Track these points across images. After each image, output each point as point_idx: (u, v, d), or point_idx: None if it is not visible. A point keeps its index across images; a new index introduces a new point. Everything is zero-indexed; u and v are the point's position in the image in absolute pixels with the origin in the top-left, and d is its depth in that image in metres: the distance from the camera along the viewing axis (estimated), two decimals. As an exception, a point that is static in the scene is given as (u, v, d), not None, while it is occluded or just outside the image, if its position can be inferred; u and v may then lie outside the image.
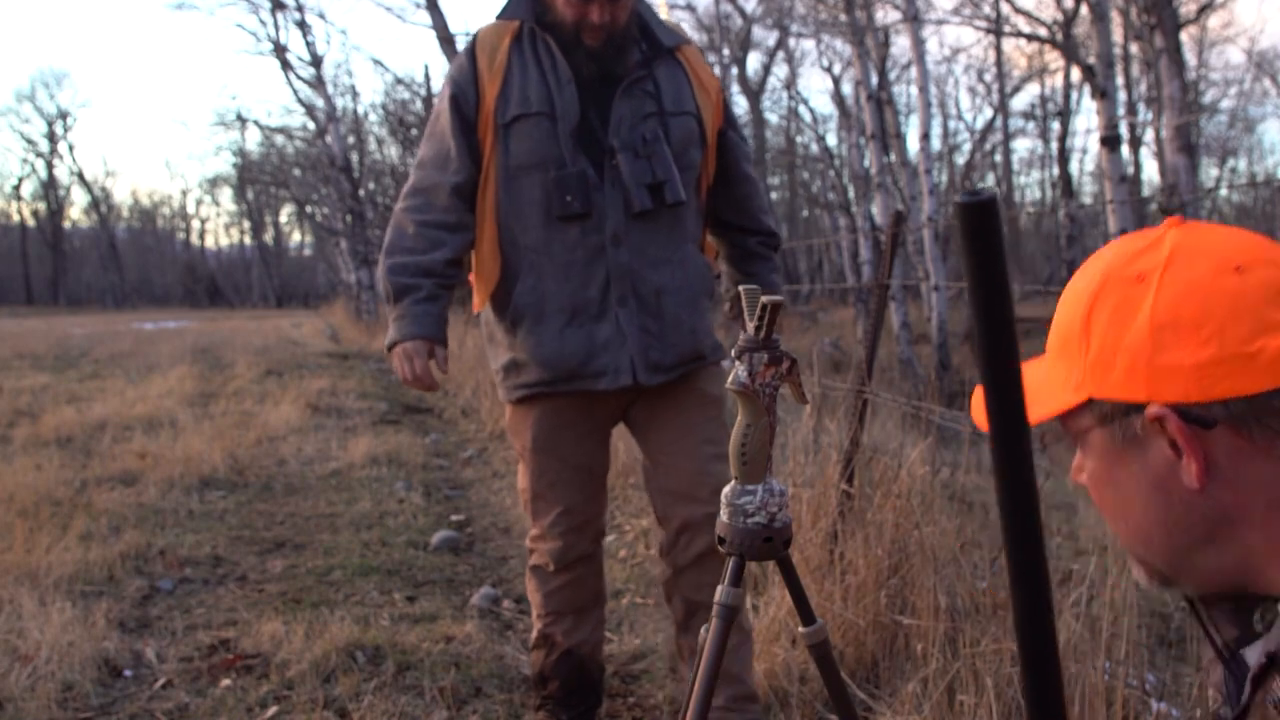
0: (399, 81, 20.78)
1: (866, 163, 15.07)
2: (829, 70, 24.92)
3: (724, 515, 1.21)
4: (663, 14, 2.18)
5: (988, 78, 28.17)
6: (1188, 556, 0.70)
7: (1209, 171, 30.27)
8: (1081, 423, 0.72)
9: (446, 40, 15.63)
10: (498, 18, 2.07)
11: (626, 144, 1.98)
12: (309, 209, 30.87)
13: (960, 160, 28.50)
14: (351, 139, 21.73)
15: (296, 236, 52.76)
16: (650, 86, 2.03)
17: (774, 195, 31.09)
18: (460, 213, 2.03)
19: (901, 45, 19.42)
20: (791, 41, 22.13)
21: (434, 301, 2.01)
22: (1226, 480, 0.66)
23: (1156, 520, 0.70)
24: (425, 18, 16.13)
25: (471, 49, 2.04)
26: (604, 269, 1.99)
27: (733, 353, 1.20)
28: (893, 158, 15.12)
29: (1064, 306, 0.74)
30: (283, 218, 50.25)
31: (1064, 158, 24.88)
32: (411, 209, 2.05)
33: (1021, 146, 46.71)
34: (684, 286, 2.05)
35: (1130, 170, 18.91)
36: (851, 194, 19.80)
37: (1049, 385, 0.74)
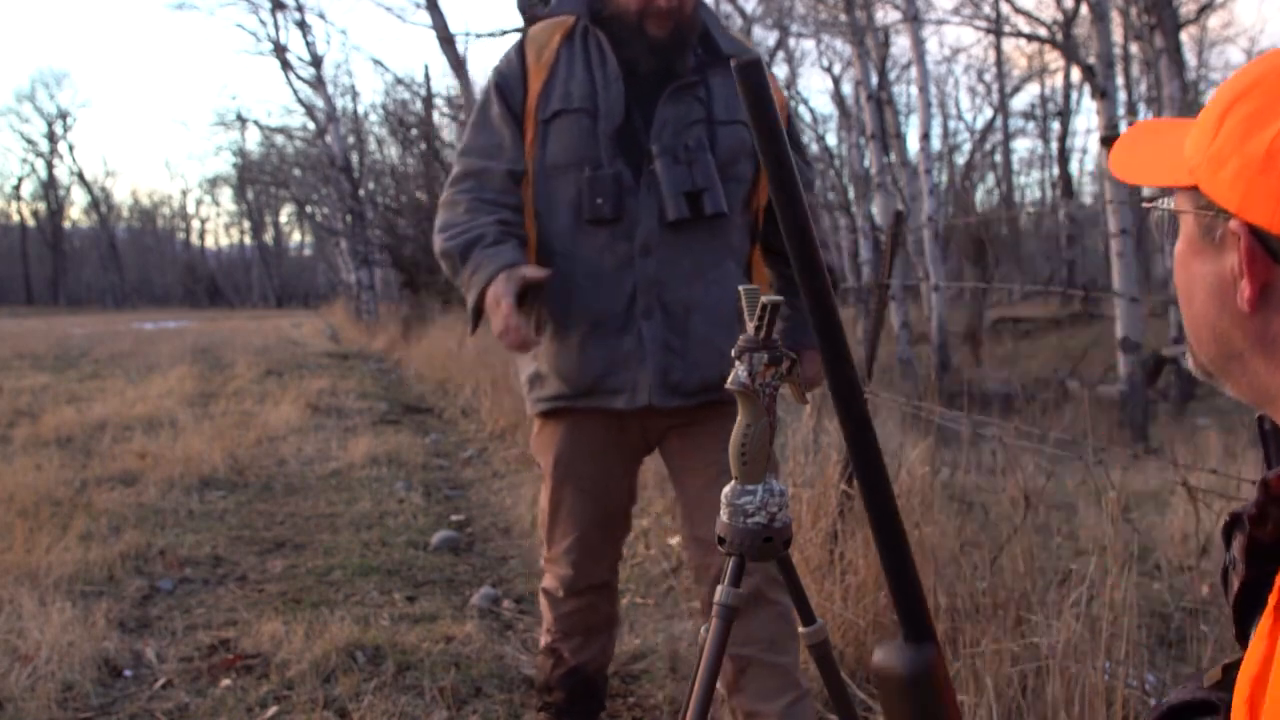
0: (399, 81, 20.81)
1: (866, 163, 15.08)
2: (829, 70, 24.94)
3: (724, 515, 1.21)
4: None
5: (988, 78, 28.15)
6: (1226, 364, 0.73)
7: (1209, 171, 30.15)
8: (1182, 202, 0.74)
9: (446, 40, 15.62)
10: (552, 12, 1.97)
11: (667, 148, 1.86)
12: (309, 209, 30.89)
13: (960, 160, 28.52)
14: (351, 139, 21.74)
15: (296, 236, 52.81)
16: (701, 93, 1.91)
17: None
18: (515, 197, 1.90)
19: (901, 45, 19.40)
20: (791, 41, 22.12)
21: (504, 242, 1.84)
22: (1275, 311, 0.68)
23: (1207, 322, 0.73)
24: (425, 18, 16.14)
25: (521, 44, 1.95)
26: (631, 279, 1.86)
27: (733, 353, 1.20)
28: (893, 158, 15.12)
29: (1217, 93, 0.74)
30: (283, 218, 50.31)
31: (1064, 158, 24.91)
32: (463, 190, 1.92)
33: (1021, 146, 46.72)
34: (717, 305, 1.89)
35: (1130, 170, 18.82)
36: (851, 194, 19.80)
37: (1174, 157, 0.75)
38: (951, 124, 29.36)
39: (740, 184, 1.93)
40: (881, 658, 0.71)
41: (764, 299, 1.14)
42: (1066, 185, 25.13)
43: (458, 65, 16.02)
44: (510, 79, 1.92)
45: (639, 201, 1.85)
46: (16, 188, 49.58)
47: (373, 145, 23.24)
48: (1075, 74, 21.78)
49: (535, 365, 1.98)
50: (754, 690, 1.90)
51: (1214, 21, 26.34)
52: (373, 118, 23.30)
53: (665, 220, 1.85)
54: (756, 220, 2.01)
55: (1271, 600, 0.64)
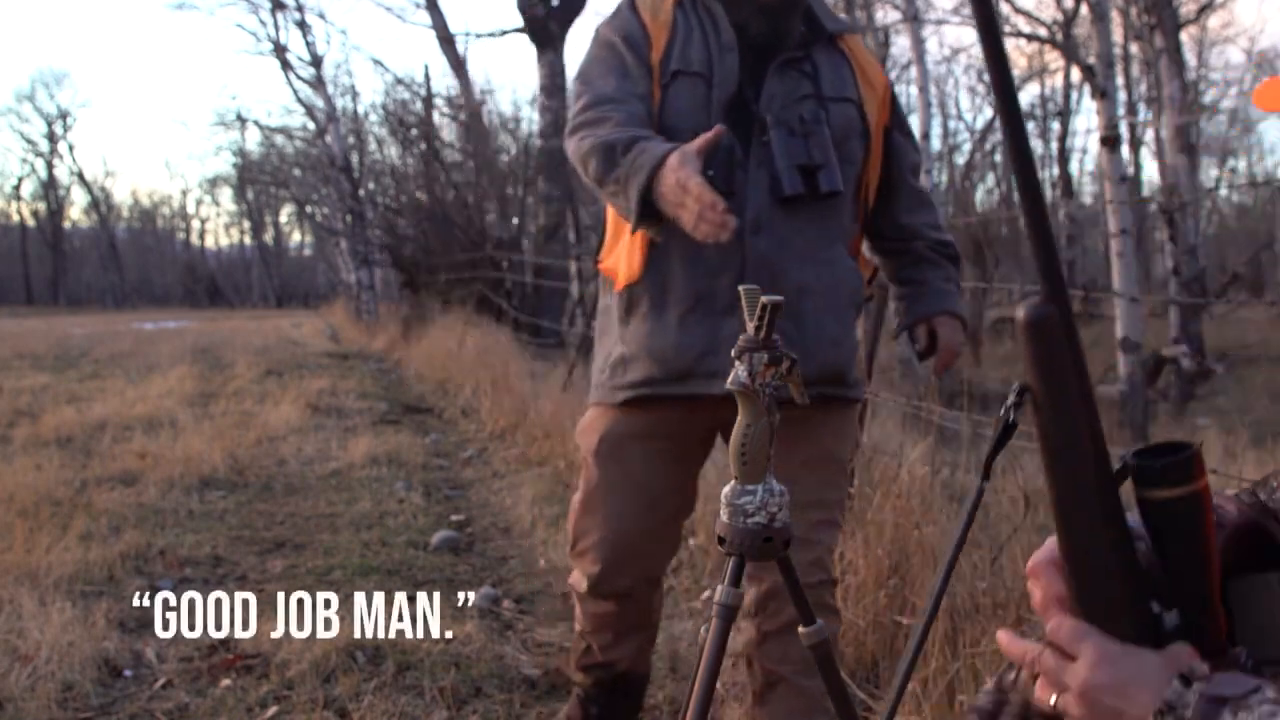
0: (399, 81, 20.78)
1: (866, 163, 15.07)
2: (829, 70, 24.87)
3: (724, 515, 1.21)
4: None
5: (988, 78, 28.15)
6: None
7: (1209, 171, 30.24)
8: None
9: (446, 40, 15.63)
10: None
11: (781, 120, 1.74)
12: (309, 209, 30.87)
13: (960, 160, 28.51)
14: (351, 139, 21.71)
15: (296, 236, 52.78)
16: (808, 68, 1.81)
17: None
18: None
19: (901, 45, 19.41)
20: (791, 41, 22.13)
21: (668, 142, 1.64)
22: None
23: None
24: (425, 18, 16.16)
25: (632, 4, 1.84)
26: (739, 257, 1.73)
27: (733, 353, 1.20)
28: (893, 158, 15.11)
29: None
30: (283, 218, 50.29)
31: (1064, 158, 24.92)
32: (605, 114, 1.73)
33: (1021, 146, 46.63)
34: (831, 290, 1.80)
35: (1130, 170, 18.92)
36: (851, 194, 19.75)
37: None
38: (951, 124, 29.36)
39: (852, 166, 1.82)
40: (1028, 311, 0.73)
41: (764, 299, 1.14)
42: (1066, 185, 25.15)
43: (458, 65, 16.04)
44: (634, 34, 1.79)
45: (749, 176, 1.74)
46: (16, 188, 49.57)
47: (373, 145, 23.21)
48: (1075, 74, 21.81)
49: (622, 347, 1.82)
50: (780, 710, 1.86)
51: (1214, 21, 26.35)
52: (373, 118, 23.28)
53: (778, 195, 1.73)
54: (866, 202, 1.90)
55: None
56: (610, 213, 1.87)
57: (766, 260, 1.74)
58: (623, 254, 1.83)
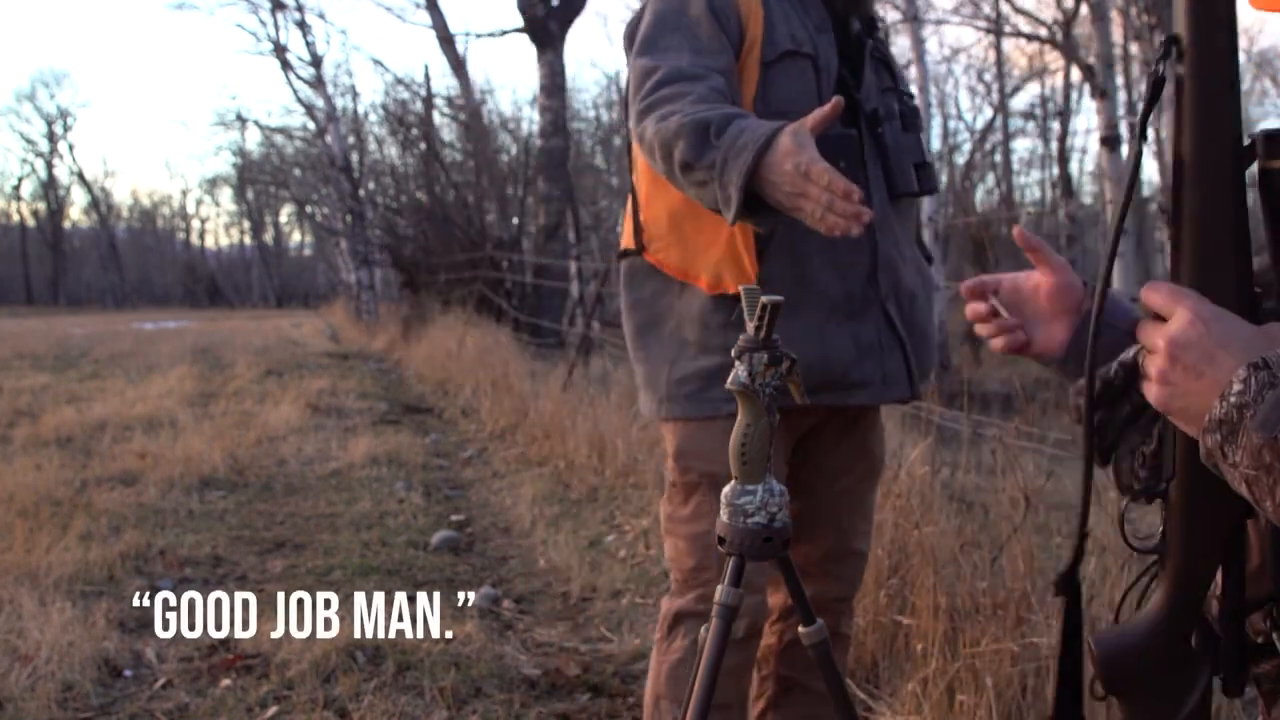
0: (399, 81, 20.76)
1: (866, 163, 15.06)
2: (829, 70, 24.87)
3: (723, 515, 1.21)
4: None
5: (988, 78, 28.15)
6: None
7: (1209, 171, 30.16)
8: None
9: (446, 40, 15.62)
10: None
11: (890, 112, 1.64)
12: (309, 209, 30.88)
13: (960, 160, 28.52)
14: (351, 139, 21.73)
15: (296, 236, 52.79)
16: (877, 55, 1.71)
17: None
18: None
19: (901, 45, 19.38)
20: (791, 41, 22.13)
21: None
22: None
23: None
24: (425, 18, 16.14)
25: None
26: (869, 257, 1.61)
27: (733, 353, 1.20)
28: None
29: None
30: (283, 218, 50.30)
31: (1064, 158, 24.89)
32: (683, 89, 1.50)
33: (1021, 146, 46.62)
34: (925, 292, 1.73)
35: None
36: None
37: None
38: (951, 124, 29.35)
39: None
40: None
41: (764, 299, 1.14)
42: (1066, 185, 25.13)
43: (458, 65, 16.02)
44: (725, 9, 1.59)
45: (867, 170, 1.61)
46: (16, 188, 49.60)
47: (373, 145, 23.24)
48: (1075, 74, 21.80)
49: (718, 358, 1.57)
50: (793, 714, 1.82)
51: (1214, 21, 26.29)
52: (373, 118, 23.30)
53: (895, 192, 1.64)
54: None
55: None
56: (654, 198, 1.66)
57: (890, 261, 1.63)
58: (707, 249, 1.61)
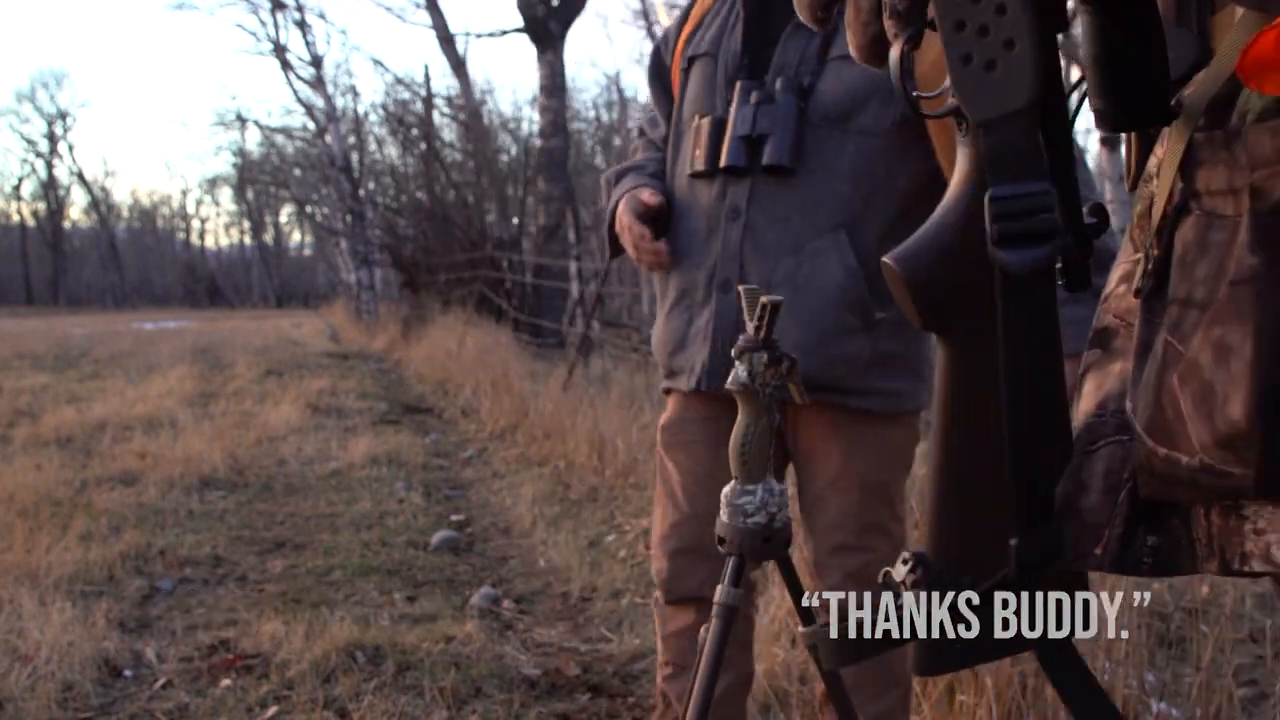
0: (399, 81, 20.77)
1: (866, 163, 15.05)
2: (829, 70, 24.86)
3: (723, 515, 1.21)
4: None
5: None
6: None
7: (1209, 171, 30.17)
8: None
9: (446, 40, 15.63)
10: None
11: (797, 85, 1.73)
12: (309, 209, 30.88)
13: (960, 160, 28.49)
14: (351, 139, 21.73)
15: (296, 236, 52.79)
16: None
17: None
18: None
19: (901, 45, 19.39)
20: (791, 41, 22.10)
21: (656, 177, 1.72)
22: None
23: None
24: (425, 18, 16.16)
25: None
26: (720, 248, 1.73)
27: (733, 353, 1.20)
28: (893, 158, 15.10)
29: None
30: (283, 218, 50.28)
31: (1064, 158, 24.86)
32: (635, 143, 1.89)
33: (1021, 146, 46.62)
34: (833, 284, 1.72)
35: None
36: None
37: None
38: (951, 124, 29.34)
39: (866, 136, 1.56)
40: None
41: (764, 299, 1.14)
42: (1066, 185, 25.12)
43: (458, 65, 16.03)
44: (668, 32, 1.79)
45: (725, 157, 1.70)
46: (16, 188, 49.55)
47: (373, 145, 23.24)
48: (1075, 74, 21.81)
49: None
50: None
51: (1214, 21, 26.33)
52: (373, 118, 23.31)
53: (780, 168, 1.57)
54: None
55: None
56: None
57: (741, 254, 1.63)
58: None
